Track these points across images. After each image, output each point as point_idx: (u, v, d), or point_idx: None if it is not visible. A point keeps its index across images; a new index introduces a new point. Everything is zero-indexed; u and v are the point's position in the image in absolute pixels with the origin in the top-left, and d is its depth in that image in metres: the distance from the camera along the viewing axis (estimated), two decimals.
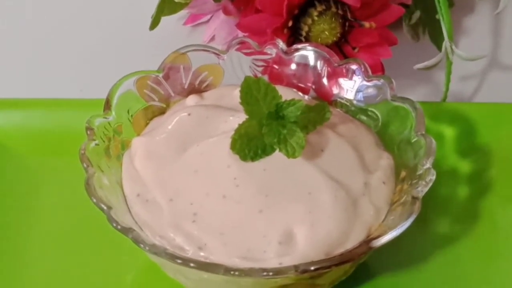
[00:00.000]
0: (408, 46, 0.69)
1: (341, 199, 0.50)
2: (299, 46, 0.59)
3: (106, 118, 0.55)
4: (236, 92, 0.51)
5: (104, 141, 0.54)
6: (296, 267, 0.47)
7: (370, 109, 0.57)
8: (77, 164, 0.52)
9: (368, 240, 0.49)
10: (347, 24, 0.63)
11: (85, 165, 0.51)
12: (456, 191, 0.60)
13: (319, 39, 0.62)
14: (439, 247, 0.57)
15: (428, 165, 0.51)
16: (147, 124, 0.57)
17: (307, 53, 0.59)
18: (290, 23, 0.62)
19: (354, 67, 0.57)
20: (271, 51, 0.59)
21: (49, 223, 0.58)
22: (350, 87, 0.58)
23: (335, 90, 0.58)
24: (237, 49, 0.59)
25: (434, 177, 0.51)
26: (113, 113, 0.55)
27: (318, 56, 0.59)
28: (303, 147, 0.50)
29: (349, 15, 0.63)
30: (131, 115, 0.56)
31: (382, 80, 0.56)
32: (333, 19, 0.62)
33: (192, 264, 0.47)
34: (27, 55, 0.73)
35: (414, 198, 0.50)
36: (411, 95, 0.57)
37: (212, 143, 0.53)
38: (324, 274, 0.50)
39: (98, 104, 0.55)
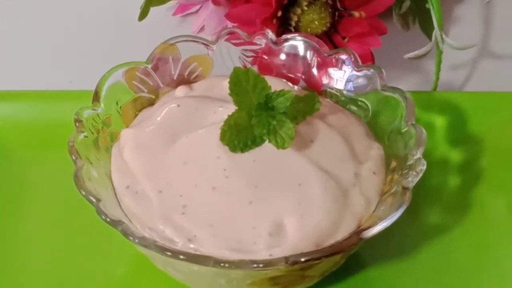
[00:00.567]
0: (398, 36, 0.69)
1: (331, 190, 0.50)
2: (289, 36, 0.59)
3: (95, 110, 0.54)
4: (226, 83, 0.51)
5: (93, 133, 0.53)
6: (286, 259, 0.47)
7: (360, 99, 0.57)
8: (66, 157, 0.51)
9: (358, 231, 0.49)
10: (336, 13, 0.63)
11: (74, 157, 0.51)
12: (446, 181, 0.60)
13: (309, 29, 0.62)
14: (429, 237, 0.57)
15: (418, 155, 0.51)
16: (136, 115, 0.57)
17: (297, 43, 0.59)
18: (280, 13, 0.62)
19: (344, 57, 0.57)
20: (261, 42, 0.59)
21: (38, 216, 0.58)
22: (340, 77, 0.58)
23: (325, 80, 0.58)
24: (227, 40, 0.58)
25: (424, 167, 0.50)
26: (102, 104, 0.55)
27: (307, 46, 0.59)
28: (292, 138, 0.50)
29: (338, 5, 0.62)
30: (120, 107, 0.56)
31: (372, 70, 0.56)
32: (323, 9, 0.62)
33: (181, 257, 0.47)
34: (16, 47, 0.73)
35: (405, 189, 0.49)
36: (401, 84, 0.57)
37: (201, 135, 0.52)
38: (315, 266, 0.50)
39: (87, 95, 0.55)
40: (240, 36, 0.58)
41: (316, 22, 0.62)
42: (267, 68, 0.59)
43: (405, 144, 0.53)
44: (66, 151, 0.51)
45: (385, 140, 0.55)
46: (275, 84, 0.53)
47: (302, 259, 0.47)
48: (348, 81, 0.57)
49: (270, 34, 0.59)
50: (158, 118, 0.54)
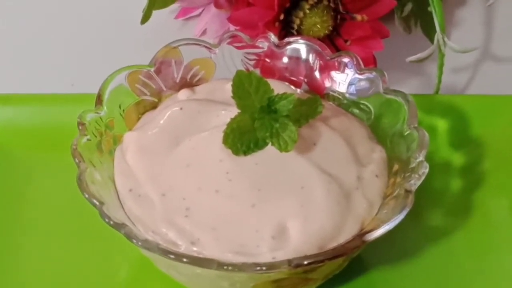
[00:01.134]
0: (400, 39, 0.69)
1: (334, 193, 0.50)
2: (291, 39, 0.59)
3: (97, 113, 0.54)
4: (228, 86, 0.51)
5: (96, 136, 0.53)
6: (289, 262, 0.47)
7: (362, 102, 0.57)
8: (69, 160, 0.51)
9: (361, 234, 0.49)
10: (339, 17, 0.63)
11: (77, 161, 0.51)
12: (449, 184, 0.60)
13: (311, 32, 0.62)
14: (432, 240, 0.57)
15: (421, 158, 0.51)
16: (139, 118, 0.57)
17: (299, 46, 0.59)
18: (282, 17, 0.62)
19: (346, 60, 0.57)
20: (263, 45, 0.59)
21: (41, 219, 0.58)
22: (342, 80, 0.58)
23: (327, 84, 0.58)
24: (229, 43, 0.59)
25: (427, 170, 0.50)
26: (105, 108, 0.55)
27: (310, 50, 0.59)
28: (295, 141, 0.50)
29: (340, 8, 0.62)
30: (123, 110, 0.56)
31: (374, 73, 0.56)
32: (325, 12, 0.62)
33: (185, 259, 0.47)
34: (18, 50, 0.73)
35: (407, 192, 0.50)
36: (403, 87, 0.57)
37: (204, 138, 0.52)
38: (318, 268, 0.50)
39: (90, 99, 0.55)
40: (243, 39, 0.58)
41: (318, 25, 0.62)
42: (269, 71, 0.59)
43: (408, 147, 0.53)
44: (69, 154, 0.51)
45: (387, 143, 0.55)
46: (277, 87, 0.53)
47: (305, 262, 0.47)
48: (350, 84, 0.57)
49: (273, 37, 0.59)
50: (161, 121, 0.54)
